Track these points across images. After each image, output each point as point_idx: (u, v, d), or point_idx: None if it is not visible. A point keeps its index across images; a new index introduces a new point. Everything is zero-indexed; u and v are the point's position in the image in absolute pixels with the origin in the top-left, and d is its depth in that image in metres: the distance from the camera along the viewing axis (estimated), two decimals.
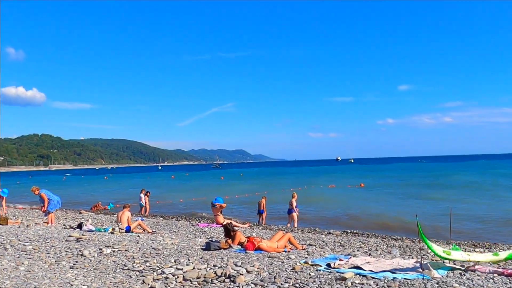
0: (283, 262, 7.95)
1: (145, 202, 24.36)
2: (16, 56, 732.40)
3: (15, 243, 10.09)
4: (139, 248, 9.31)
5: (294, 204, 18.51)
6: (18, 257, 8.69)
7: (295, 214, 18.42)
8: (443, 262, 7.50)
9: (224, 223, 12.92)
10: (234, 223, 14.14)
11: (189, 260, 8.06)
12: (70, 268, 7.67)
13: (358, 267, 7.22)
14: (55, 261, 8.21)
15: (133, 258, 8.29)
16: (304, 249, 10.54)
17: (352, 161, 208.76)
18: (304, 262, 7.88)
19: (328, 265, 7.49)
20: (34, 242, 10.16)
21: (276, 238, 10.12)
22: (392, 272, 6.81)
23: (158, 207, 28.23)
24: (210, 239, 11.78)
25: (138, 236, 12.29)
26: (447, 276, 6.62)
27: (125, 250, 9.04)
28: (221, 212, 17.26)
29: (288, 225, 18.33)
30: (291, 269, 7.11)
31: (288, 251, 9.74)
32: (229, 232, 10.33)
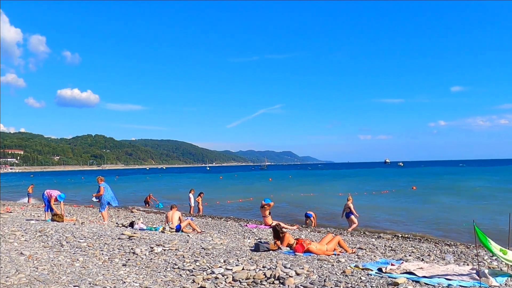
0: (333, 265, 7.83)
1: (199, 203, 24.65)
2: (72, 59, 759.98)
3: (70, 239, 10.43)
4: (189, 248, 9.41)
5: (352, 206, 18.22)
6: (74, 253, 8.97)
7: (354, 217, 18.15)
8: (501, 269, 7.19)
9: (273, 224, 12.90)
10: (282, 224, 14.08)
11: (238, 260, 8.08)
12: (123, 265, 7.85)
13: (410, 273, 7.02)
14: (108, 258, 8.42)
15: (183, 257, 8.39)
16: (354, 252, 10.36)
17: (402, 164, 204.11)
18: (354, 266, 7.74)
19: (380, 269, 7.32)
20: (88, 239, 10.46)
21: (326, 241, 10.00)
22: (447, 279, 6.58)
23: (206, 208, 28.51)
24: (259, 240, 11.78)
25: (188, 235, 12.44)
26: (505, 284, 6.33)
27: (176, 249, 9.16)
28: (269, 213, 17.24)
29: (350, 229, 18.05)
30: (341, 273, 6.99)
31: (338, 254, 9.59)
32: (278, 233, 10.30)
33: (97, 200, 16.67)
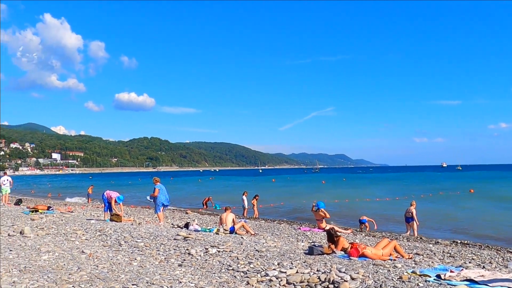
0: (389, 270, 7.66)
1: (254, 205, 24.74)
2: (129, 64, 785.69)
3: (128, 239, 10.72)
4: (243, 250, 9.46)
5: (414, 212, 17.80)
6: (131, 253, 9.22)
7: (415, 223, 17.73)
8: None
9: (327, 228, 12.78)
10: (336, 228, 13.94)
11: (292, 263, 8.04)
12: (179, 265, 7.99)
13: (471, 280, 6.76)
14: (165, 258, 8.60)
15: (237, 259, 8.45)
16: (411, 258, 10.10)
17: (460, 168, 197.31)
18: (411, 272, 7.53)
19: (438, 276, 7.09)
20: (145, 240, 10.72)
21: (381, 246, 9.81)
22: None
23: (259, 210, 28.65)
24: (313, 243, 11.70)
25: (242, 237, 12.52)
26: None
27: (230, 251, 9.23)
28: (323, 217, 17.10)
29: (407, 233, 17.66)
30: (397, 278, 6.82)
31: (394, 260, 9.38)
32: (332, 237, 10.18)
33: (152, 200, 17.06)
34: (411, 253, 11.36)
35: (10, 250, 9.29)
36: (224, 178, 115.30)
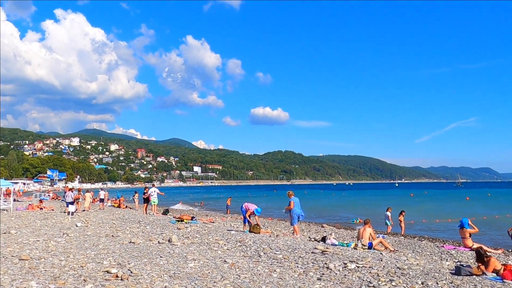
0: None
1: (401, 221, 23.64)
2: (264, 79, 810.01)
3: (267, 251, 10.95)
4: (383, 266, 9.14)
5: None
6: (271, 264, 9.40)
7: None
8: None
9: (475, 247, 11.87)
10: (485, 248, 12.87)
11: (437, 283, 7.60)
12: (317, 279, 7.96)
13: None
14: (303, 271, 8.63)
15: (377, 275, 8.18)
16: None
17: None
18: None
19: None
20: (283, 252, 10.86)
21: None
22: None
23: (396, 226, 27.56)
24: (460, 263, 10.95)
25: (381, 253, 12.11)
26: None
27: (369, 267, 8.98)
28: (470, 235, 15.87)
29: None
30: None
31: None
32: (482, 257, 9.40)
33: (288, 213, 17.25)
34: None
35: (161, 257, 10.02)
36: (358, 192, 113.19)
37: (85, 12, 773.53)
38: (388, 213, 23.71)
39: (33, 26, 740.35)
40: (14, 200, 31.60)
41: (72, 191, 25.91)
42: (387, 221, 23.55)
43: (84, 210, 28.38)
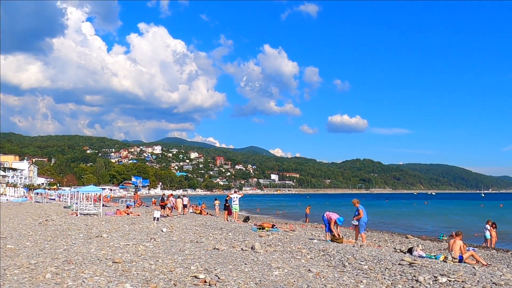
0: None
1: (490, 234, 22.27)
2: (342, 87, 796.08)
3: (352, 261, 10.72)
4: (477, 281, 8.64)
5: None
6: (356, 275, 9.17)
7: None
8: None
9: None
10: None
11: None
12: None
13: None
14: (391, 283, 8.34)
15: None
16: None
17: None
18: None
19: None
20: (369, 262, 10.58)
21: None
22: None
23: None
24: None
25: (473, 267, 11.48)
26: None
27: (462, 281, 8.52)
28: None
29: None
30: None
31: None
32: None
33: (356, 223, 16.91)
34: None
35: (245, 264, 10.10)
36: (441, 202, 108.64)
37: (167, 24, 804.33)
38: (488, 226, 22.34)
39: (119, 40, 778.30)
40: (103, 205, 33.22)
41: (172, 197, 28.44)
42: (486, 234, 22.19)
43: (176, 215, 30.08)
